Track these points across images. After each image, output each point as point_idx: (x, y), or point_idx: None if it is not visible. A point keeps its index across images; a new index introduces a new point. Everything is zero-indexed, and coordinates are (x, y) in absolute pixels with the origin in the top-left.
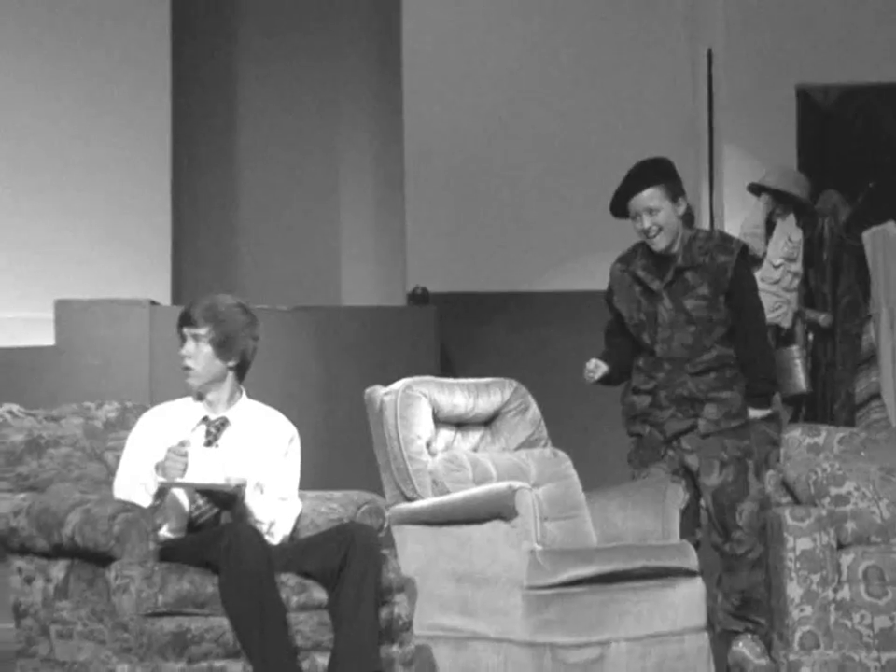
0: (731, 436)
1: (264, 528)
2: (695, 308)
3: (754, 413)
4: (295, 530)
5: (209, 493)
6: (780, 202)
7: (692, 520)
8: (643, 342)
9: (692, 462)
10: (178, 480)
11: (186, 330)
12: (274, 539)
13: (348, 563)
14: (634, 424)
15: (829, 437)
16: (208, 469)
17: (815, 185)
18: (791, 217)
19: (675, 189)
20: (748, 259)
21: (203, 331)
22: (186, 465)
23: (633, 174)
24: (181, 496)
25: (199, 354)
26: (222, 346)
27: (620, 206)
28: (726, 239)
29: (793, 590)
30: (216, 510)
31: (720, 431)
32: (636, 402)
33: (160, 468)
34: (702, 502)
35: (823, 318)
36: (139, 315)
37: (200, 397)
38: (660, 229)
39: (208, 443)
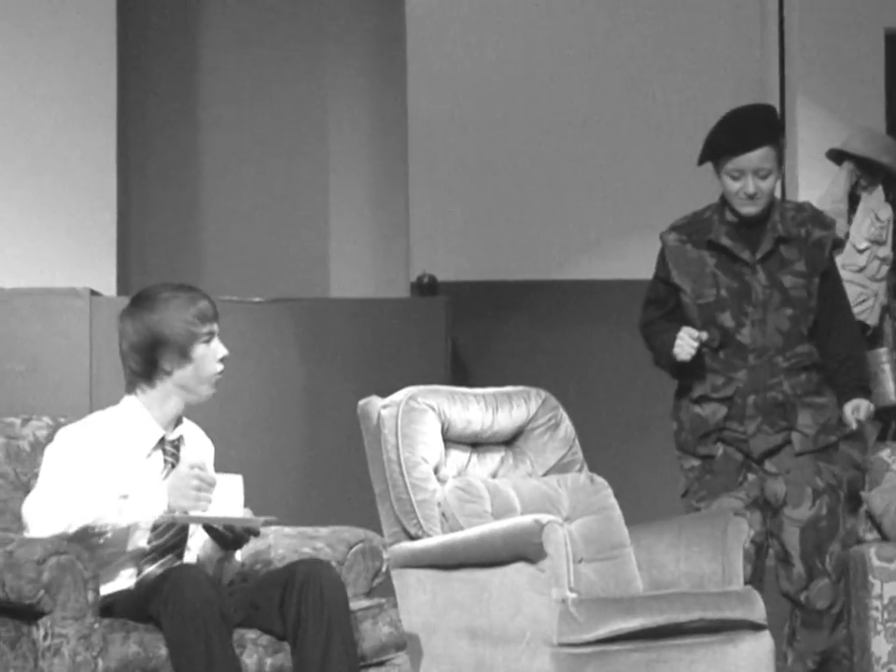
0: (825, 458)
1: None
2: (794, 287)
3: (857, 402)
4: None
5: (219, 532)
6: (866, 171)
7: (760, 561)
8: (722, 325)
9: (777, 489)
10: (197, 514)
11: (217, 327)
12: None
13: (305, 614)
14: (703, 443)
15: None
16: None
17: None
18: (879, 191)
19: (783, 150)
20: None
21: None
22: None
23: (743, 125)
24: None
25: None
26: None
27: (715, 156)
28: (818, 212)
29: (880, 646)
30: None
31: (815, 450)
32: (703, 415)
33: (173, 498)
34: (770, 541)
35: None
36: (77, 309)
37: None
38: (763, 195)
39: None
